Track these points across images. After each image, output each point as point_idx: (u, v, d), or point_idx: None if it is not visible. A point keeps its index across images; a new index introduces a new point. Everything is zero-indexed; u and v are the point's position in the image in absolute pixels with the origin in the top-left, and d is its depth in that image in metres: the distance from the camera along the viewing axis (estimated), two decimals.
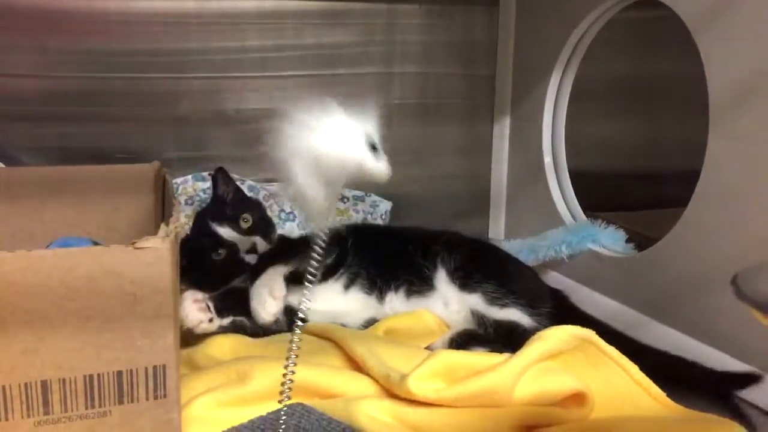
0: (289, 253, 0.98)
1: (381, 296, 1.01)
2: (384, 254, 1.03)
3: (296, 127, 0.62)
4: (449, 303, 0.98)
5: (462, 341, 0.90)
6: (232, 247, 1.00)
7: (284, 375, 0.60)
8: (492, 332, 0.91)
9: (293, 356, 0.60)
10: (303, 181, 0.61)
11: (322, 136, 0.63)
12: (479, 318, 0.93)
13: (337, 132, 0.63)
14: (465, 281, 0.96)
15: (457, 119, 1.43)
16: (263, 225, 1.05)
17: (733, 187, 0.83)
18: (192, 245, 0.99)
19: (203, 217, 1.05)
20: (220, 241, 1.00)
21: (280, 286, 0.92)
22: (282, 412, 0.62)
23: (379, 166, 0.64)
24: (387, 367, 0.75)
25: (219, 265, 0.99)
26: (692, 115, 0.97)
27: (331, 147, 0.63)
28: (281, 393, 0.60)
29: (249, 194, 1.17)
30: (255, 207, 1.09)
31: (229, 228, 1.01)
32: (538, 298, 0.96)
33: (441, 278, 0.99)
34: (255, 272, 0.96)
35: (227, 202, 1.07)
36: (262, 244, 1.01)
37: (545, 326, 0.88)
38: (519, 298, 0.92)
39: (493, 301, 0.92)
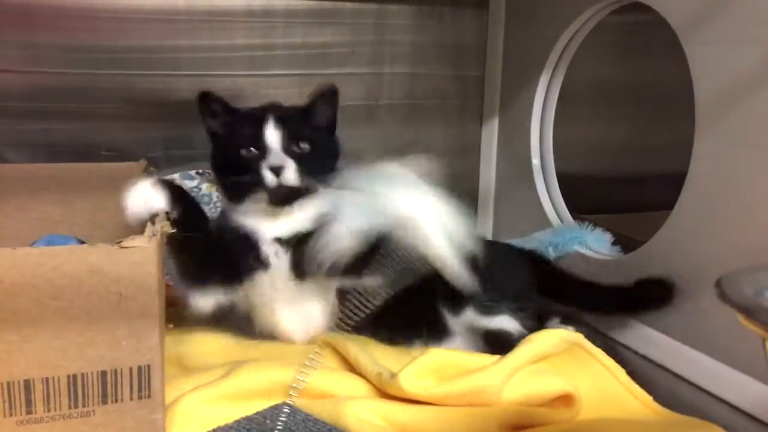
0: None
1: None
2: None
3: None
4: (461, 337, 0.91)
5: None
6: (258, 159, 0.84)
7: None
8: (482, 341, 0.88)
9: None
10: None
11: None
12: (473, 331, 0.89)
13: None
14: (457, 305, 0.89)
15: (446, 120, 1.43)
16: (319, 168, 0.86)
17: (718, 191, 0.84)
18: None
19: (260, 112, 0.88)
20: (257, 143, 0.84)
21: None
22: (263, 414, 0.62)
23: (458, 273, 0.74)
24: (379, 366, 0.75)
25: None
26: (679, 118, 0.98)
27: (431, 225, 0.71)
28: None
29: None
30: (331, 148, 0.91)
31: (280, 137, 0.85)
32: (523, 296, 0.94)
33: (448, 317, 0.91)
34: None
35: (309, 117, 0.91)
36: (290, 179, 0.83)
37: (528, 324, 0.89)
38: (509, 302, 0.90)
39: (483, 311, 0.89)
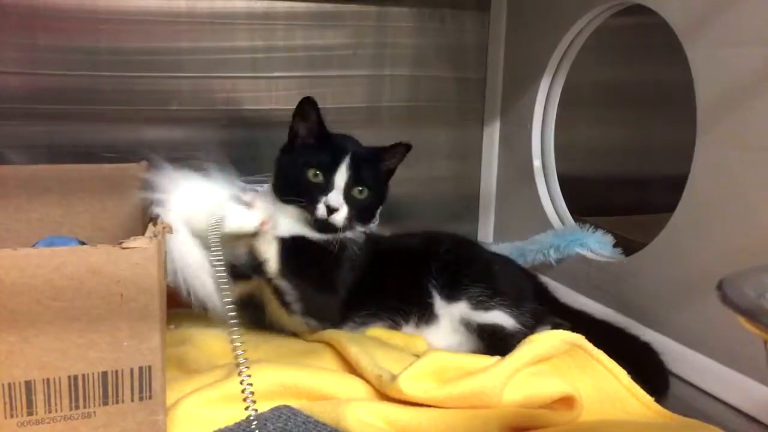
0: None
1: (397, 327, 0.96)
2: (392, 284, 0.96)
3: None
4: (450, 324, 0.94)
5: None
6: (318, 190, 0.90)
7: (241, 382, 0.61)
8: (476, 336, 0.90)
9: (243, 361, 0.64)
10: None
11: (189, 197, 0.75)
12: (466, 325, 0.91)
13: (201, 192, 0.75)
14: (452, 292, 0.93)
15: (448, 122, 1.43)
16: (367, 215, 0.95)
17: (720, 193, 0.84)
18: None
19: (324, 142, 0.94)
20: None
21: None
22: (252, 417, 0.62)
23: (243, 217, 0.75)
24: (379, 368, 0.75)
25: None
26: (680, 120, 0.98)
27: (198, 204, 0.74)
28: (244, 400, 0.61)
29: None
30: (380, 196, 0.98)
31: (347, 179, 0.91)
32: (521, 296, 0.95)
33: (439, 304, 0.94)
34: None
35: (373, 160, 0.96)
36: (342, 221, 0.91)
37: (527, 324, 0.90)
38: (504, 299, 0.91)
39: (478, 305, 0.91)
